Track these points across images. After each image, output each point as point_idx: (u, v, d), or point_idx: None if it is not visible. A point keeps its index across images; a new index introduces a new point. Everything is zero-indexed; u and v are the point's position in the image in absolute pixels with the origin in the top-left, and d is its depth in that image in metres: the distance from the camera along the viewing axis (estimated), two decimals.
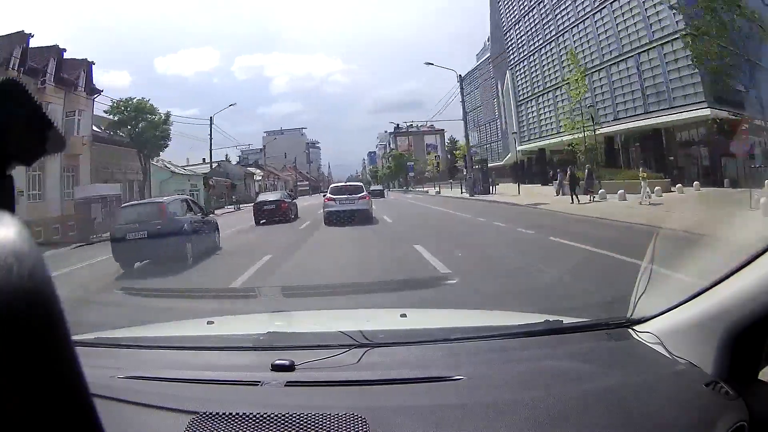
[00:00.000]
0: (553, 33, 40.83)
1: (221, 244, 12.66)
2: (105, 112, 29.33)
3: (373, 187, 45.37)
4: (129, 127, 28.83)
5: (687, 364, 1.32)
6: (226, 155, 71.38)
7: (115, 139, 29.90)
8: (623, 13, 32.32)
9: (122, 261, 10.22)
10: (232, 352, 1.83)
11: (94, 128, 29.20)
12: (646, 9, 30.25)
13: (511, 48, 49.58)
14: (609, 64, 34.07)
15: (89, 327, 2.36)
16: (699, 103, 26.38)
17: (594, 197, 21.07)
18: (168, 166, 40.38)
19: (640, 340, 1.53)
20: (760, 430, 1.14)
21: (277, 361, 1.49)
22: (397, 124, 50.87)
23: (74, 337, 0.52)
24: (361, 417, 1.15)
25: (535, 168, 45.60)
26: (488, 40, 67.76)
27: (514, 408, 1.19)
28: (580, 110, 29.29)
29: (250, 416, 1.17)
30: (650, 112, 30.34)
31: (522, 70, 47.65)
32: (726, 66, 22.05)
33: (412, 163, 74.02)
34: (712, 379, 1.24)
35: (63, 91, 25.96)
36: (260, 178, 66.12)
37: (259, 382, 1.44)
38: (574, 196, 20.66)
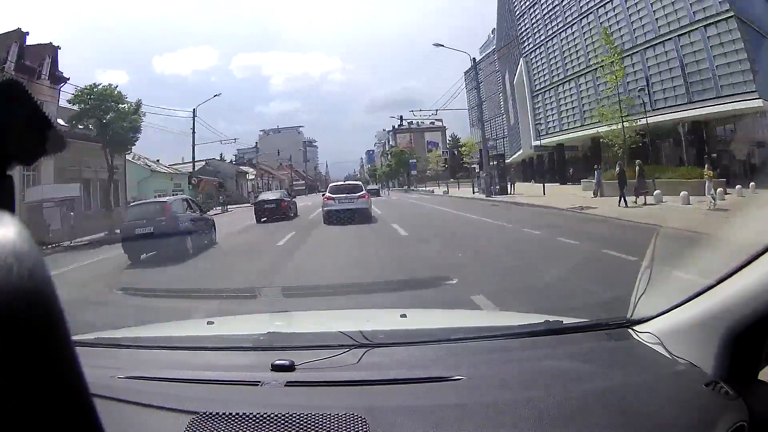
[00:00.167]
0: (575, 15, 36.49)
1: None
2: (68, 101, 24.83)
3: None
4: (95, 118, 24.18)
5: (687, 364, 1.32)
6: (221, 154, 68.56)
7: (79, 133, 24.81)
8: None
9: (131, 253, 11.67)
10: (232, 352, 1.84)
11: (60, 121, 24.47)
12: None
13: (525, 34, 44.97)
14: (644, 47, 29.38)
15: (89, 327, 2.36)
16: (748, 93, 23.04)
17: (645, 199, 17.41)
18: (149, 164, 38.25)
19: (640, 340, 1.53)
20: (760, 430, 1.14)
21: (277, 361, 1.49)
22: (401, 116, 47.03)
23: (74, 337, 0.52)
24: (361, 417, 1.15)
25: (548, 165, 41.68)
26: (492, 33, 64.96)
27: (514, 408, 1.19)
28: (617, 97, 24.88)
29: (250, 416, 1.17)
30: (693, 102, 26.21)
31: (538, 58, 42.91)
32: None
33: (415, 161, 70.06)
34: (712, 379, 1.24)
35: (24, 79, 20.35)
36: (253, 177, 63.58)
37: (259, 382, 1.44)
38: (622, 198, 17.10)
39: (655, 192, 17.61)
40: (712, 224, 10.41)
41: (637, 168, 18.28)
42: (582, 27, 35.63)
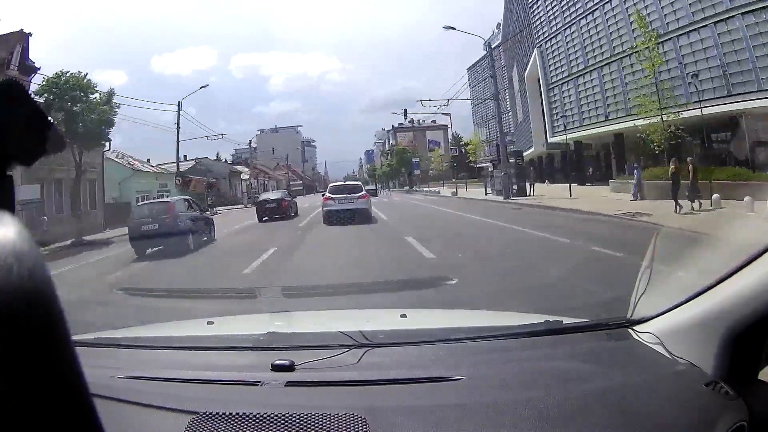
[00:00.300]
0: (596, 0, 32.92)
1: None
2: (34, 93, 21.10)
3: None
4: (63, 111, 20.86)
5: (687, 364, 1.32)
6: (217, 153, 67.35)
7: None
8: None
9: (137, 248, 12.89)
10: (232, 352, 1.84)
11: None
12: None
13: (539, 22, 41.10)
14: (677, 35, 26.11)
15: (89, 327, 2.37)
16: None
17: (701, 204, 14.56)
18: (132, 162, 36.48)
19: (640, 340, 1.53)
20: (760, 430, 1.14)
21: (277, 361, 1.49)
22: (405, 110, 43.49)
23: (74, 337, 0.52)
24: (361, 417, 1.15)
25: (562, 164, 38.59)
26: (498, 27, 62.28)
27: (514, 408, 1.19)
28: (655, 86, 21.79)
29: (250, 416, 1.17)
30: (733, 95, 23.09)
31: (555, 47, 38.97)
32: None
33: (418, 159, 66.42)
34: (712, 379, 1.24)
35: None
36: (248, 176, 60.59)
37: (259, 382, 1.44)
38: (677, 203, 14.31)
39: (713, 196, 14.58)
40: None
41: (690, 167, 15.15)
42: (605, 12, 32.07)
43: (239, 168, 62.44)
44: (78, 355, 0.42)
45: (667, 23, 26.44)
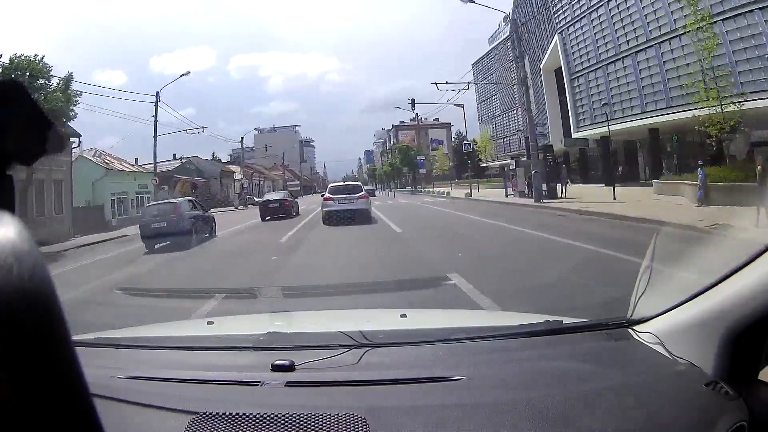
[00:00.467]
0: None
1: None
2: None
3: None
4: None
5: (687, 364, 1.32)
6: (213, 153, 65.79)
7: None
8: None
9: (147, 243, 14.56)
10: (232, 352, 1.84)
11: None
12: None
13: (560, 5, 37.25)
14: (721, 18, 22.50)
15: (89, 327, 2.36)
16: None
17: None
18: (111, 161, 34.18)
19: (640, 340, 1.53)
20: (760, 430, 1.14)
21: (277, 362, 1.49)
22: (413, 100, 36.68)
23: (74, 337, 0.52)
24: (361, 417, 1.15)
25: (581, 162, 35.94)
26: (504, 20, 58.16)
27: (514, 408, 1.19)
28: (712, 72, 18.91)
29: (250, 416, 1.17)
30: None
31: (579, 32, 34.80)
32: None
33: (423, 158, 63.33)
34: (712, 379, 1.24)
35: None
36: (240, 176, 58.34)
37: (259, 382, 1.44)
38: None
39: None
40: None
41: None
42: None
43: (232, 168, 59.94)
44: (78, 355, 0.42)
45: (711, 5, 22.08)
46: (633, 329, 1.59)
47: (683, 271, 1.95)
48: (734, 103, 18.14)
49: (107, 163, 33.29)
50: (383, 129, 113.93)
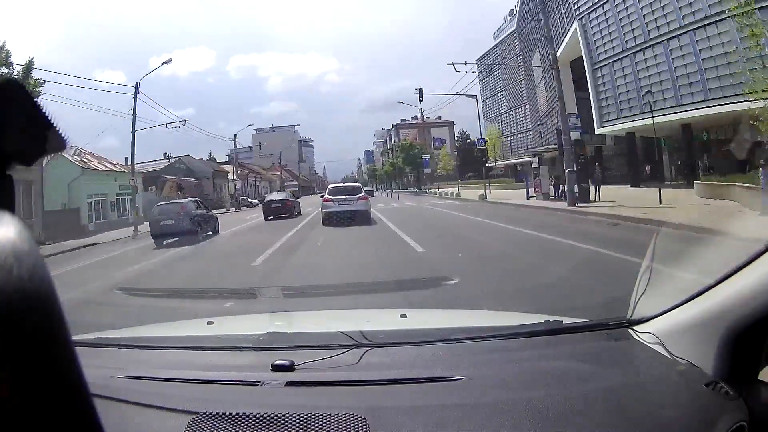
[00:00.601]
0: None
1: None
2: None
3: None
4: None
5: (687, 364, 1.32)
6: (210, 152, 63.93)
7: None
8: None
9: (156, 240, 16.00)
10: (232, 352, 1.83)
11: None
12: None
13: None
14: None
15: (89, 327, 2.36)
16: None
17: None
18: (90, 160, 31.73)
19: (640, 340, 1.53)
20: (760, 430, 1.14)
21: (277, 362, 1.49)
22: (420, 89, 33.65)
23: (74, 337, 0.52)
24: (361, 417, 1.15)
25: (600, 160, 30.93)
26: (510, 14, 57.41)
27: (514, 408, 1.19)
28: (761, 60, 16.04)
29: (250, 416, 1.17)
30: None
31: (603, 18, 31.03)
32: None
33: (428, 157, 59.02)
34: (712, 379, 1.24)
35: None
36: (235, 177, 53.41)
37: (259, 382, 1.44)
38: None
39: None
40: None
41: None
42: None
43: (227, 168, 55.82)
44: (78, 355, 0.42)
45: None
46: (633, 329, 1.59)
47: (683, 271, 1.95)
48: None
49: (84, 162, 30.64)
50: (383, 129, 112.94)
